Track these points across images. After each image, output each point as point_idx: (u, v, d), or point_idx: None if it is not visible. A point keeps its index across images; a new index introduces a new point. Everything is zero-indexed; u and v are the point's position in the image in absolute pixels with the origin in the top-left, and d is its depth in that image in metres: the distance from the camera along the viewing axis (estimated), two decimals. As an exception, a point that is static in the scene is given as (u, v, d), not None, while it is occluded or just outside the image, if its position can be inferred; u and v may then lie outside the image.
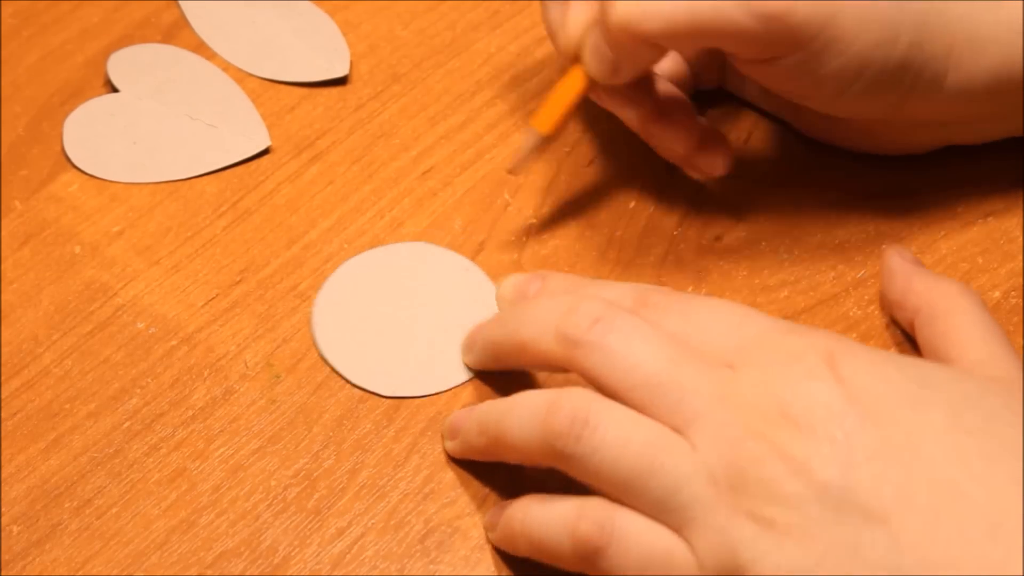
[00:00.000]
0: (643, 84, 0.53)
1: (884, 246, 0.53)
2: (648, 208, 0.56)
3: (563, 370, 0.45)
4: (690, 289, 0.54)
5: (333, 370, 0.52)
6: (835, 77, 0.50)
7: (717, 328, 0.44)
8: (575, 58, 0.52)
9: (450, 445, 0.50)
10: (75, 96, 0.60)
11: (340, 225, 0.56)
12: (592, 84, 0.52)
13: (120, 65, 0.60)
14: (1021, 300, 0.53)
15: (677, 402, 0.43)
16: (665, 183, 0.56)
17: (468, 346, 0.51)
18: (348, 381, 0.52)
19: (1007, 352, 0.46)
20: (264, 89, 0.60)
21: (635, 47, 0.49)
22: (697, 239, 0.55)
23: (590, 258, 0.55)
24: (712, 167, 0.54)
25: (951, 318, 0.48)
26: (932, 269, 0.53)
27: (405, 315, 0.53)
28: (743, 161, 0.57)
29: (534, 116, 0.53)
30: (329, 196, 0.57)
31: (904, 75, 0.50)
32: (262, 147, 0.58)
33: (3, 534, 0.49)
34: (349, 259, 0.55)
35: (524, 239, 0.55)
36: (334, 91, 0.60)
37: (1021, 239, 0.54)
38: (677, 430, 0.42)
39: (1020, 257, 0.54)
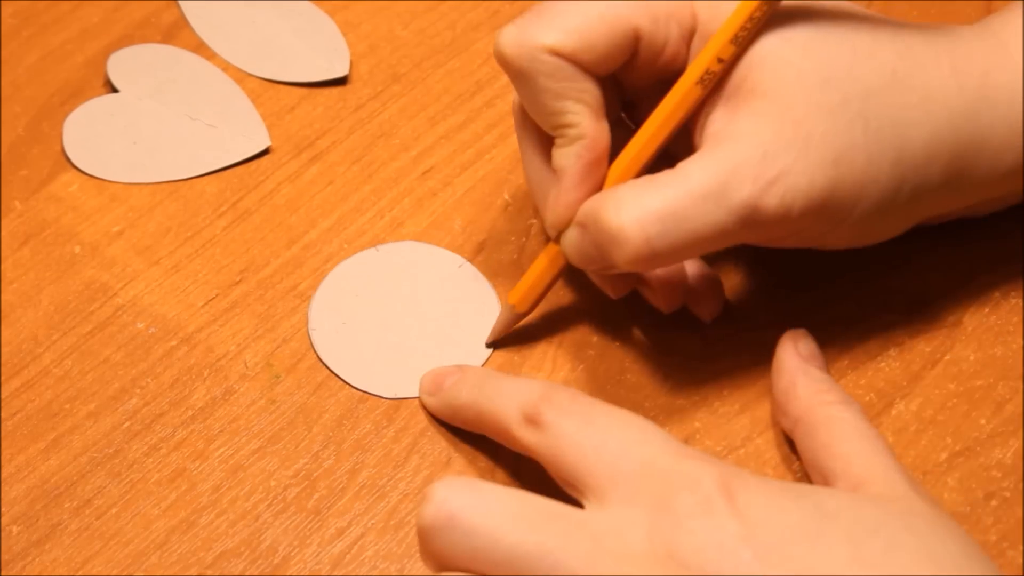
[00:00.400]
0: None
1: (785, 332, 0.51)
2: (648, 208, 0.56)
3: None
4: (690, 289, 0.54)
5: (332, 373, 0.52)
6: (843, 238, 0.50)
7: (614, 443, 0.43)
8: (558, 237, 0.50)
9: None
10: (75, 96, 0.60)
11: (340, 225, 0.56)
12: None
13: (120, 65, 0.60)
14: (1021, 300, 0.53)
15: (550, 567, 0.40)
16: (665, 183, 0.56)
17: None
18: (348, 384, 0.52)
19: (893, 467, 0.45)
20: (264, 89, 0.60)
21: (644, 269, 0.49)
22: (697, 239, 0.55)
23: (590, 258, 0.55)
24: (703, 314, 0.53)
25: (832, 429, 0.46)
26: (932, 269, 0.53)
27: (400, 315, 0.53)
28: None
29: (513, 292, 0.52)
30: (329, 196, 0.57)
31: (910, 211, 0.50)
32: (262, 147, 0.58)
33: (3, 534, 0.49)
34: (341, 262, 0.55)
35: (524, 239, 0.55)
36: (334, 91, 0.60)
37: (1021, 239, 0.54)
38: None
39: (1020, 257, 0.54)
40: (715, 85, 0.48)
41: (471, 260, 0.55)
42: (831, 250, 0.51)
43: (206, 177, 0.58)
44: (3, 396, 0.52)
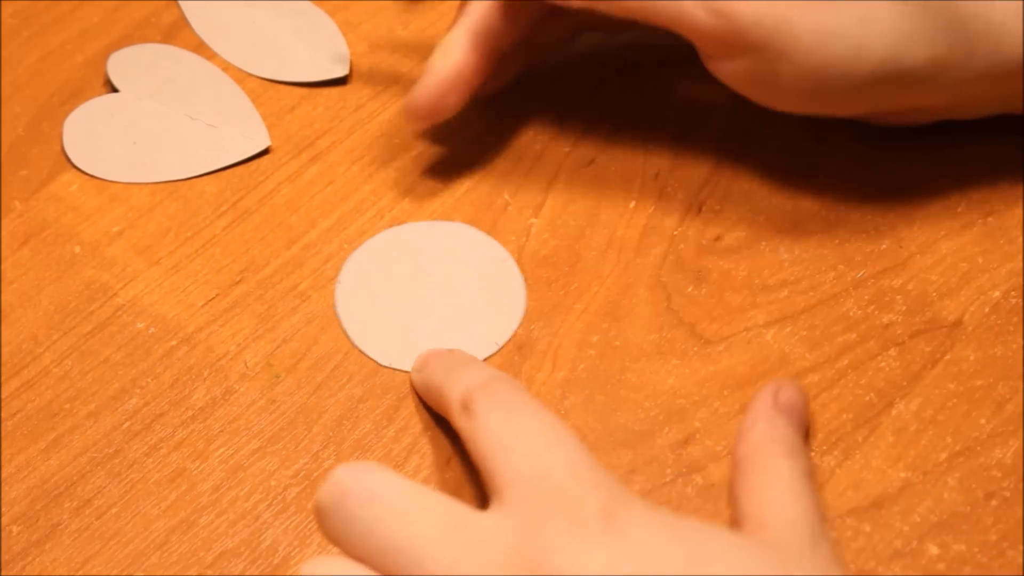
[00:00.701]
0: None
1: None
2: (648, 208, 0.56)
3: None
4: (690, 290, 0.54)
5: (340, 324, 0.52)
6: (793, 87, 0.49)
7: (525, 445, 0.43)
8: None
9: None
10: (75, 96, 0.60)
11: (340, 225, 0.56)
12: None
13: (120, 65, 0.60)
14: (1021, 300, 0.53)
15: (415, 565, 0.41)
16: (665, 183, 0.56)
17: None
18: (348, 336, 0.52)
19: (801, 518, 0.44)
20: (264, 89, 0.60)
21: None
22: (697, 239, 0.55)
23: (590, 258, 0.55)
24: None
25: (762, 475, 0.46)
26: (932, 269, 0.53)
27: (425, 291, 0.54)
28: (743, 161, 0.57)
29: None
30: (329, 196, 0.57)
31: (878, 87, 0.49)
32: (262, 147, 0.58)
33: (3, 534, 0.49)
34: (391, 228, 0.55)
35: (524, 239, 0.55)
36: (334, 91, 0.60)
37: (1021, 239, 0.54)
38: None
39: (1020, 257, 0.54)
40: None
41: (488, 237, 0.55)
42: (774, 109, 0.52)
43: (206, 177, 0.58)
44: (3, 396, 0.52)
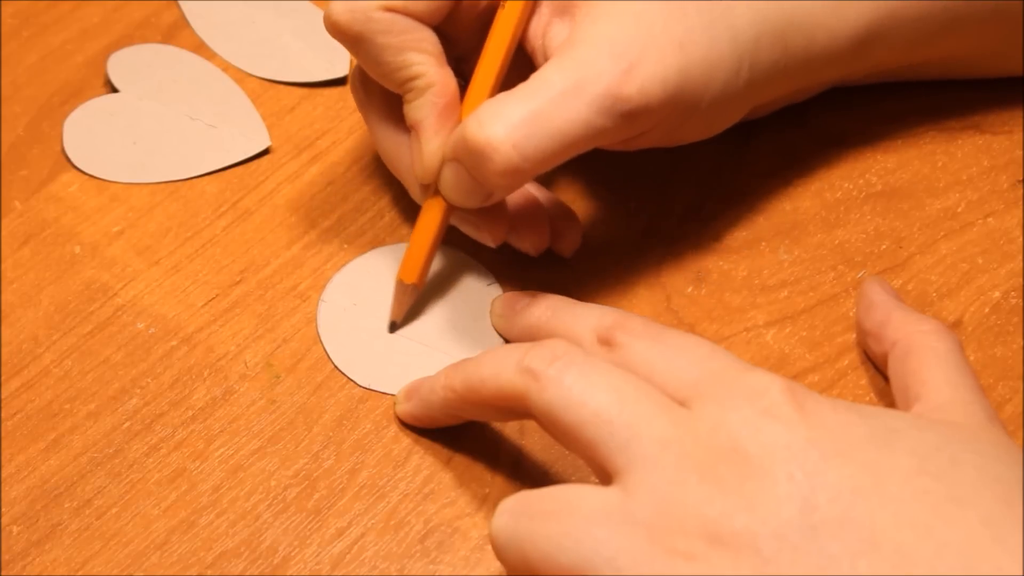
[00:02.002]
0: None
1: (863, 274, 0.53)
2: (648, 208, 0.56)
3: (518, 412, 0.45)
4: (690, 290, 0.54)
5: (321, 344, 0.52)
6: (697, 128, 0.52)
7: (684, 358, 0.44)
8: (433, 190, 0.51)
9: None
10: (75, 96, 0.60)
11: (340, 225, 0.56)
12: (452, 210, 0.51)
13: (120, 65, 0.60)
14: (1021, 300, 0.53)
15: (624, 443, 0.41)
16: (665, 183, 0.56)
17: (408, 395, 0.50)
18: (330, 358, 0.52)
19: (975, 398, 0.45)
20: (264, 89, 0.60)
21: (520, 180, 0.49)
22: (697, 239, 0.55)
23: (590, 258, 0.55)
24: (562, 250, 0.54)
25: (925, 356, 0.47)
26: (932, 269, 0.54)
27: (411, 314, 0.53)
28: (743, 160, 0.57)
29: (402, 269, 0.52)
30: (329, 196, 0.57)
31: (749, 94, 0.52)
32: (262, 147, 0.58)
33: (3, 534, 0.49)
34: (377, 248, 0.55)
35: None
36: (334, 91, 0.60)
37: (1021, 239, 0.54)
38: (617, 471, 0.41)
39: (1020, 257, 0.54)
40: (542, 7, 0.50)
41: (471, 259, 0.55)
42: (680, 144, 0.53)
43: (206, 177, 0.58)
44: (3, 396, 0.52)
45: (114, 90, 0.60)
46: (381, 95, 0.52)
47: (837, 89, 0.57)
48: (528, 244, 0.53)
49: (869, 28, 0.52)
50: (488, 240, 0.53)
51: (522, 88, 0.48)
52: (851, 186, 0.56)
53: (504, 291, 0.54)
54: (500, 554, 0.42)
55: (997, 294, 0.53)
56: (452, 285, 0.54)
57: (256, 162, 0.58)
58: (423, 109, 0.50)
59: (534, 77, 0.48)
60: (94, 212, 0.57)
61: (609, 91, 0.48)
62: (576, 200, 0.56)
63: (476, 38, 0.52)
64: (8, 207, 0.57)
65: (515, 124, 0.47)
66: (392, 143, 0.53)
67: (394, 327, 0.53)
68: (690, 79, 0.49)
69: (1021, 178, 0.56)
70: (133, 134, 0.58)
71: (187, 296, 0.54)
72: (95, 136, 0.58)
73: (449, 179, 0.50)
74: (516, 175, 0.48)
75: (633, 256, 0.55)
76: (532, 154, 0.47)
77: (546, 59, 0.50)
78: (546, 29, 0.51)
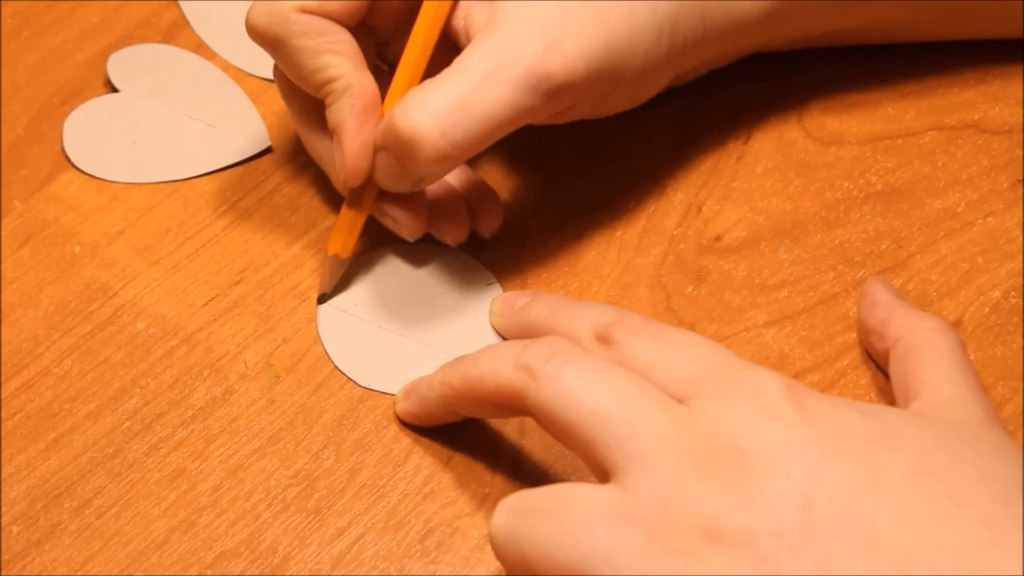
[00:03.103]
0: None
1: (863, 274, 0.53)
2: (648, 208, 0.56)
3: (515, 409, 0.45)
4: (690, 290, 0.54)
5: (340, 372, 0.52)
6: (621, 99, 0.52)
7: (682, 356, 0.44)
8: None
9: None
10: (75, 96, 0.60)
11: (340, 225, 0.56)
12: (379, 194, 0.52)
13: (120, 65, 0.60)
14: (1021, 300, 0.53)
15: (622, 440, 0.41)
16: (665, 183, 0.56)
17: (407, 393, 0.50)
18: (330, 358, 0.52)
19: (975, 397, 0.45)
20: (264, 89, 0.60)
21: (450, 166, 0.50)
22: (697, 239, 0.55)
23: (590, 258, 0.55)
24: (483, 232, 0.55)
25: (926, 354, 0.47)
26: (932, 269, 0.54)
27: (409, 313, 0.53)
28: (743, 160, 0.57)
29: (331, 242, 0.53)
30: (329, 196, 0.57)
31: (670, 62, 0.52)
32: (262, 147, 0.58)
33: (3, 534, 0.49)
34: (379, 248, 0.55)
35: (524, 239, 0.55)
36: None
37: (1021, 239, 0.54)
38: (616, 469, 0.41)
39: (1020, 257, 0.54)
40: None
41: (471, 259, 0.55)
42: (604, 117, 0.53)
43: (206, 177, 0.58)
44: (3, 396, 0.52)
45: (114, 90, 0.60)
46: (302, 95, 0.52)
47: (836, 88, 0.57)
48: (448, 236, 0.54)
49: None
50: (407, 234, 0.53)
51: (446, 74, 0.49)
52: (851, 186, 0.56)
53: (504, 291, 0.54)
54: (499, 553, 0.42)
55: (997, 294, 0.53)
56: (452, 285, 0.54)
57: (256, 162, 0.58)
58: (342, 112, 0.50)
59: (457, 61, 0.49)
60: (94, 212, 0.57)
61: (532, 70, 0.48)
62: (576, 200, 0.56)
63: (397, 26, 0.52)
64: (8, 207, 0.57)
65: (441, 111, 0.48)
66: (317, 141, 0.53)
67: (323, 298, 0.53)
68: (612, 52, 0.49)
69: (1021, 178, 0.56)
70: (133, 134, 0.59)
71: (187, 296, 0.54)
72: (95, 136, 0.58)
73: (381, 166, 0.50)
74: (446, 161, 0.49)
75: (633, 256, 0.55)
76: (460, 139, 0.48)
77: (468, 41, 0.50)
78: (467, 11, 0.51)
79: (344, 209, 0.53)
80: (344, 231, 0.53)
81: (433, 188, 0.54)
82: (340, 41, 0.50)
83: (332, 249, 0.53)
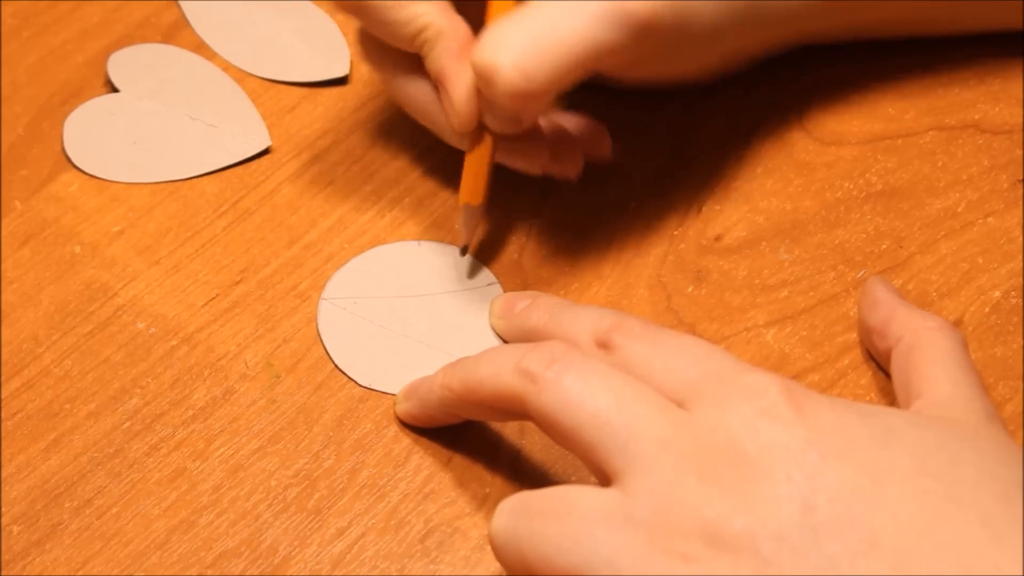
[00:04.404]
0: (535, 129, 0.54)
1: (863, 274, 0.53)
2: (648, 208, 0.56)
3: (515, 413, 0.45)
4: (690, 290, 0.54)
5: (340, 371, 0.52)
6: (693, 53, 0.52)
7: (681, 359, 0.44)
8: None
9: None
10: (75, 96, 0.60)
11: (340, 225, 0.56)
12: (498, 139, 0.52)
13: (120, 65, 0.60)
14: (1021, 300, 0.53)
15: (622, 444, 0.41)
16: (665, 183, 0.56)
17: (407, 394, 0.50)
18: (330, 357, 0.52)
19: (976, 396, 0.45)
20: (264, 89, 0.60)
21: (531, 102, 0.49)
22: (697, 239, 0.55)
23: (590, 258, 0.55)
24: (599, 158, 0.55)
25: (928, 353, 0.47)
26: (932, 269, 0.54)
27: (410, 312, 0.53)
28: (743, 160, 0.57)
29: (462, 192, 0.53)
30: (329, 196, 0.57)
31: (737, 35, 0.53)
32: (262, 147, 0.58)
33: (3, 534, 0.49)
34: (380, 246, 0.55)
35: (524, 239, 0.55)
36: (334, 91, 0.60)
37: (1021, 239, 0.54)
38: (616, 472, 0.41)
39: (1020, 257, 0.54)
40: None
41: (472, 259, 0.55)
42: (672, 82, 0.54)
43: (206, 177, 0.58)
44: (3, 396, 0.52)
45: (114, 90, 0.60)
46: (395, 53, 0.52)
47: (836, 87, 0.57)
48: (568, 170, 0.55)
49: None
50: (532, 168, 0.54)
51: (522, 10, 0.49)
52: (851, 186, 0.56)
53: (504, 291, 0.54)
54: (499, 554, 0.42)
55: (997, 294, 0.53)
56: (452, 285, 0.54)
57: (256, 162, 0.58)
58: (441, 58, 0.51)
59: None
60: (94, 212, 0.57)
61: (614, 4, 0.48)
62: (577, 200, 0.56)
63: None
64: (8, 207, 0.57)
65: (516, 45, 0.48)
66: (418, 92, 0.53)
67: (465, 251, 0.54)
68: (689, 3, 0.50)
69: (1021, 178, 0.56)
70: (133, 134, 0.59)
71: (187, 296, 0.54)
72: (95, 136, 0.58)
73: (483, 106, 0.51)
74: (524, 98, 0.48)
75: (633, 256, 0.55)
76: (535, 75, 0.48)
77: None
78: None
79: (467, 156, 0.52)
80: (471, 178, 0.52)
81: (548, 125, 0.54)
82: None
83: (463, 199, 0.53)
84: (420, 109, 0.54)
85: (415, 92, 0.53)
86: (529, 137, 0.53)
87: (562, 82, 0.49)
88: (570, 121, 0.55)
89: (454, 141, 0.53)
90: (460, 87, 0.50)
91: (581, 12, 0.48)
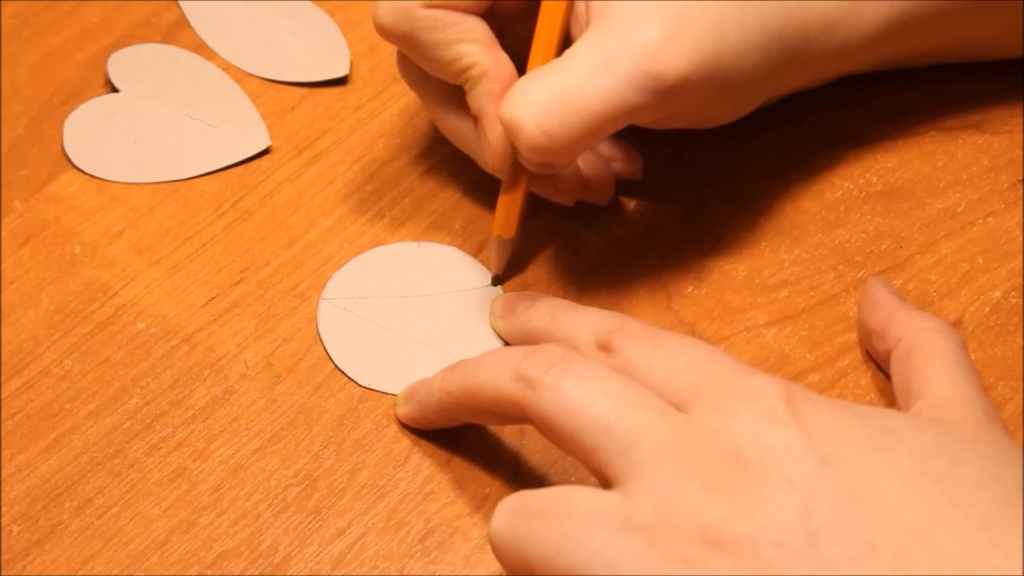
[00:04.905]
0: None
1: (863, 274, 0.53)
2: (648, 208, 0.56)
3: (514, 418, 0.45)
4: (690, 290, 0.54)
5: (340, 371, 0.52)
6: (725, 110, 0.52)
7: (681, 361, 0.44)
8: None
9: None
10: (75, 96, 0.60)
11: (340, 225, 0.56)
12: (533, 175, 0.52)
13: (120, 65, 0.60)
14: (1021, 300, 0.53)
15: (623, 448, 0.41)
16: (665, 183, 0.56)
17: (407, 397, 0.50)
18: (329, 356, 0.52)
19: (975, 397, 0.45)
20: (264, 89, 0.60)
21: (555, 157, 0.49)
22: (697, 239, 0.55)
23: (590, 258, 0.55)
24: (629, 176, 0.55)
25: (928, 354, 0.47)
26: (932, 269, 0.54)
27: (409, 312, 0.53)
28: (743, 161, 0.57)
29: (496, 224, 0.52)
30: (329, 196, 0.57)
31: (776, 80, 0.52)
32: (262, 147, 0.58)
33: (3, 534, 0.49)
34: (378, 247, 0.55)
35: (524, 239, 0.55)
36: (334, 91, 0.60)
37: (1021, 239, 0.54)
38: (617, 476, 0.41)
39: (1020, 257, 0.54)
40: None
41: (472, 259, 0.55)
42: (708, 127, 0.53)
43: (206, 177, 0.58)
44: (3, 396, 0.52)
45: (114, 90, 0.60)
46: (437, 82, 0.52)
47: (836, 88, 0.57)
48: (598, 198, 0.55)
49: (887, 24, 0.53)
50: (566, 200, 0.54)
51: (553, 64, 0.49)
52: (851, 186, 0.56)
53: (504, 291, 0.54)
54: (499, 554, 0.42)
55: (997, 294, 0.53)
56: (452, 285, 0.54)
57: (256, 162, 0.58)
58: (482, 97, 0.51)
59: (566, 53, 0.49)
60: (94, 212, 0.57)
61: (642, 67, 0.48)
62: (576, 201, 0.56)
63: (519, 12, 0.52)
64: (8, 207, 0.57)
65: (540, 103, 0.48)
66: (458, 125, 0.53)
67: (498, 280, 0.54)
68: (724, 61, 0.49)
69: (1021, 178, 0.56)
70: (133, 134, 0.59)
71: (187, 296, 0.54)
72: (95, 136, 0.58)
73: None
74: (545, 153, 0.48)
75: (633, 256, 0.55)
76: (557, 132, 0.48)
77: (585, 27, 0.50)
78: (583, 3, 0.51)
79: (501, 190, 0.52)
80: (504, 212, 0.52)
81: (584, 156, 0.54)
82: (470, 29, 0.50)
83: (497, 231, 0.53)
84: (458, 138, 0.54)
85: (454, 122, 0.53)
86: (564, 171, 0.53)
87: (587, 141, 0.49)
88: (603, 145, 0.55)
89: (490, 170, 0.53)
90: (498, 129, 0.50)
91: (609, 73, 0.48)
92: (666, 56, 0.48)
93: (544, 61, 0.50)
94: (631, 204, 0.56)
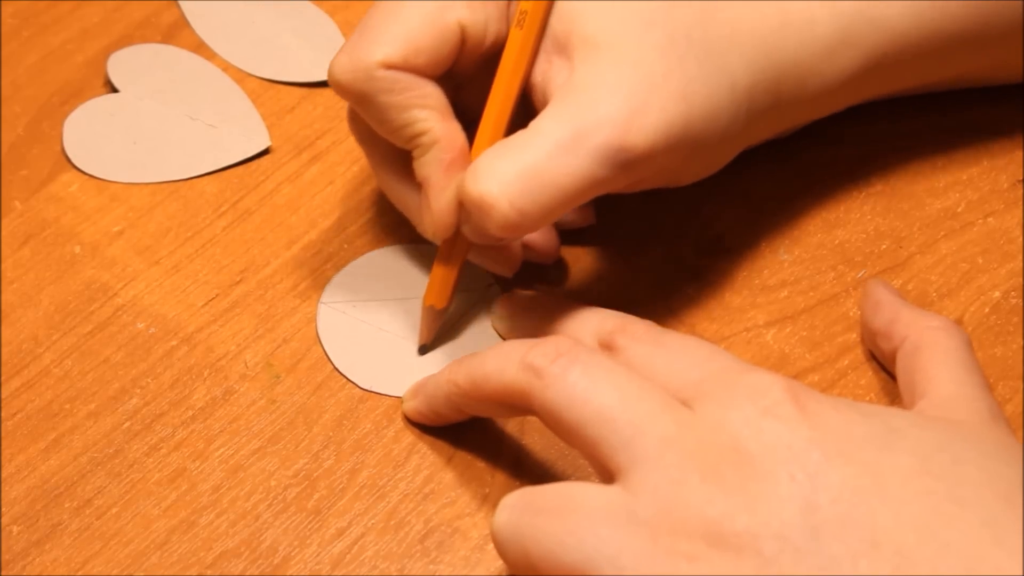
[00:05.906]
0: None
1: (863, 274, 0.53)
2: (648, 208, 0.56)
3: (521, 409, 0.45)
4: (690, 290, 0.54)
5: (341, 374, 0.52)
6: (695, 170, 0.51)
7: (684, 360, 0.44)
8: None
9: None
10: (75, 96, 0.60)
11: (340, 225, 0.56)
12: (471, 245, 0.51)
13: (120, 65, 0.60)
14: (1021, 300, 0.53)
15: (626, 441, 0.41)
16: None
17: (415, 392, 0.50)
18: (329, 359, 0.52)
19: (979, 395, 0.45)
20: (264, 89, 0.60)
21: (524, 232, 0.48)
22: (697, 239, 0.55)
23: (590, 258, 0.55)
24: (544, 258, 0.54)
25: (932, 353, 0.47)
26: (932, 269, 0.54)
27: (410, 314, 0.53)
28: (743, 161, 0.57)
29: (428, 294, 0.51)
30: (329, 196, 0.57)
31: (747, 136, 0.52)
32: (262, 147, 0.58)
33: (3, 534, 0.49)
34: (380, 248, 0.55)
35: (524, 240, 0.55)
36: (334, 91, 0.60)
37: (1021, 239, 0.54)
38: (620, 469, 0.41)
39: (1020, 257, 0.54)
40: (543, 43, 0.49)
41: (471, 261, 0.55)
42: (681, 186, 0.52)
43: (206, 177, 0.58)
44: (3, 396, 0.52)
45: (114, 90, 0.60)
46: (385, 143, 0.51)
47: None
48: (543, 260, 0.54)
49: (861, 70, 0.52)
50: (505, 271, 0.52)
51: (519, 139, 0.47)
52: (851, 186, 0.56)
53: (504, 292, 0.54)
54: (501, 550, 0.42)
55: (997, 294, 0.53)
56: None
57: (256, 162, 0.58)
58: (430, 165, 0.49)
59: (532, 126, 0.47)
60: (94, 212, 0.57)
61: (611, 141, 0.47)
62: (576, 200, 0.56)
63: (475, 71, 0.51)
64: (8, 207, 0.57)
65: (510, 180, 0.47)
66: (398, 187, 0.52)
67: (424, 350, 0.53)
68: (692, 128, 0.48)
69: (1021, 178, 0.56)
70: (133, 134, 0.59)
71: (187, 296, 0.54)
72: (95, 136, 0.58)
73: (464, 221, 0.49)
74: (516, 229, 0.47)
75: (633, 257, 0.55)
76: (530, 209, 0.47)
77: (545, 99, 0.49)
78: (547, 66, 0.50)
79: (436, 261, 0.51)
80: (438, 283, 0.51)
81: None
82: (427, 95, 0.49)
83: (428, 301, 0.52)
84: (399, 200, 0.52)
85: (396, 185, 0.52)
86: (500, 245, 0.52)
87: (556, 215, 0.48)
88: None
89: (428, 237, 0.51)
90: (443, 200, 0.49)
91: (578, 148, 0.47)
92: (634, 129, 0.47)
93: (496, 129, 0.49)
94: (631, 204, 0.56)
